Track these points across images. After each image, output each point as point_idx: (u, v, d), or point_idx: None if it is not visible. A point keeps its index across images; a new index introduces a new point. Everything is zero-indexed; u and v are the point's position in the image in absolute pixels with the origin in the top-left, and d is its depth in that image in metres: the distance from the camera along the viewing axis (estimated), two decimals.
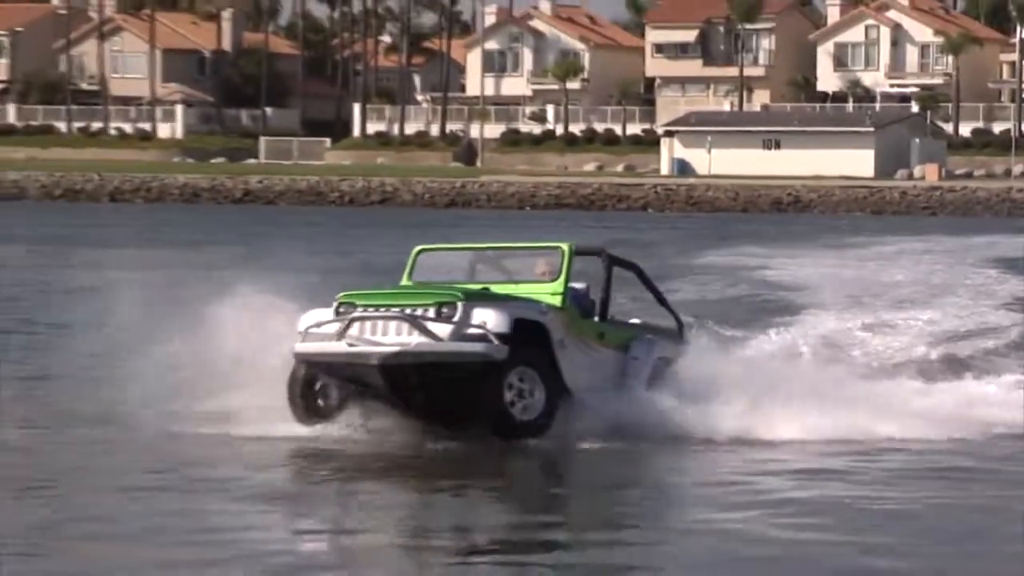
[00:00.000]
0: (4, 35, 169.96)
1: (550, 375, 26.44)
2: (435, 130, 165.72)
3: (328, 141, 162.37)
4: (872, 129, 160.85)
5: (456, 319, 25.17)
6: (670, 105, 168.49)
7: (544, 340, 26.25)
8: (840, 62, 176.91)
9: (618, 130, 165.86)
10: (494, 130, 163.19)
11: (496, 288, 27.26)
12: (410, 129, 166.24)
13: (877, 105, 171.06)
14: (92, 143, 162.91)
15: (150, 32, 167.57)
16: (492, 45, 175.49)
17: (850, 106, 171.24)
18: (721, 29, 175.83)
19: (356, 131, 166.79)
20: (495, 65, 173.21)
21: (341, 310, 25.98)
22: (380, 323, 25.75)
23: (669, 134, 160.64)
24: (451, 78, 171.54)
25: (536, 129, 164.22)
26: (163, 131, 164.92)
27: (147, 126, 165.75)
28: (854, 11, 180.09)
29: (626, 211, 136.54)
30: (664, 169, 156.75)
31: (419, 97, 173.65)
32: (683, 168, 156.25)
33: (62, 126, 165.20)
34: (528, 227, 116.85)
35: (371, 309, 25.92)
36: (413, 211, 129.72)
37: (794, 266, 77.30)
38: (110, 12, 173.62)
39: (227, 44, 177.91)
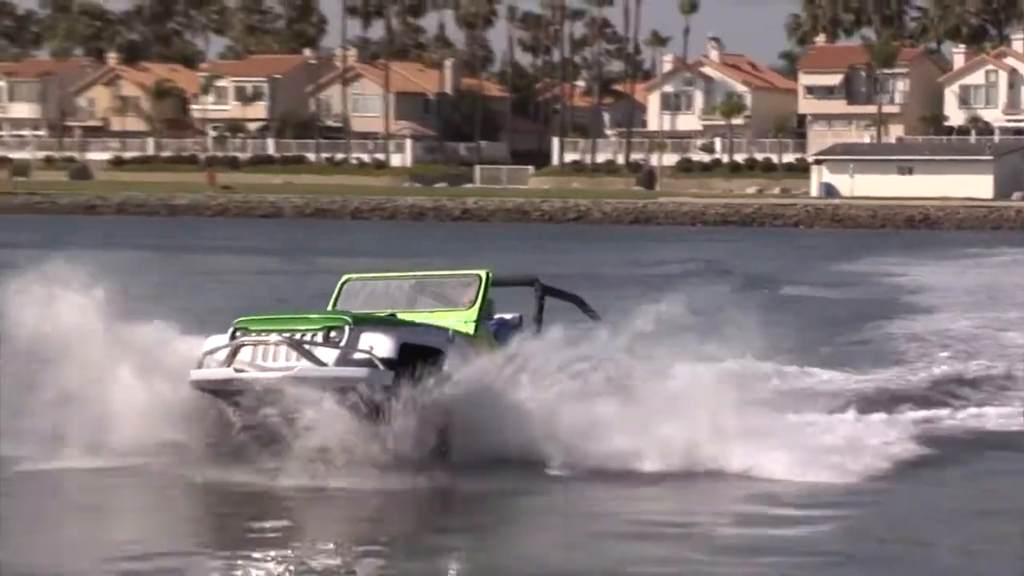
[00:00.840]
0: (265, 81, 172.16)
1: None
2: (621, 159, 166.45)
3: (531, 168, 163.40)
4: (991, 158, 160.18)
5: (343, 343, 22.50)
6: (819, 137, 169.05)
7: (441, 365, 23.09)
8: (964, 101, 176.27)
9: (775, 159, 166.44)
10: (670, 159, 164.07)
11: (414, 315, 24.34)
12: (600, 158, 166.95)
13: (996, 137, 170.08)
14: (336, 171, 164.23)
15: (384, 78, 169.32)
16: (669, 88, 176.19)
17: (972, 138, 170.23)
18: (863, 74, 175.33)
19: (555, 160, 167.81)
20: (671, 104, 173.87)
21: (236, 335, 23.27)
22: (269, 348, 22.90)
23: (818, 162, 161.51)
24: (634, 116, 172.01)
25: (706, 158, 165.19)
26: (395, 160, 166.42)
27: (382, 156, 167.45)
28: (976, 58, 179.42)
29: (781, 227, 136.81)
30: (813, 192, 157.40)
31: (608, 132, 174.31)
32: (829, 191, 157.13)
33: (312, 156, 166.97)
34: (697, 240, 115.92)
35: (263, 334, 23.09)
36: (603, 227, 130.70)
37: (922, 272, 78.72)
38: (352, 62, 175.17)
39: (448, 88, 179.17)
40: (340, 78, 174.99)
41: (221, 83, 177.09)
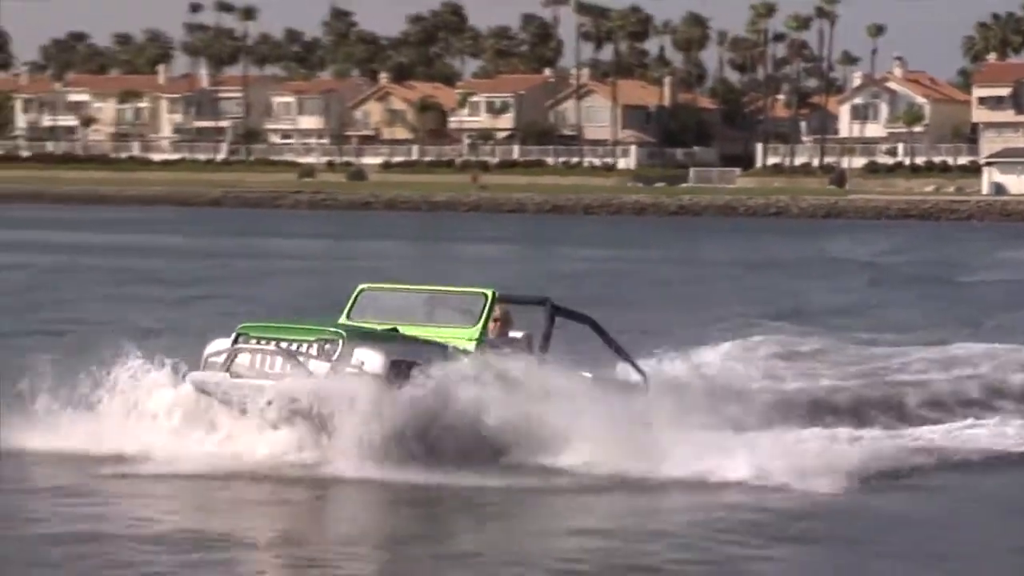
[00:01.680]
0: (511, 97, 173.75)
1: None
2: (816, 162, 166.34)
3: (738, 170, 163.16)
4: None
5: (335, 357, 20.30)
6: (989, 143, 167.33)
7: None
8: None
9: (950, 161, 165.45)
10: (859, 162, 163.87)
11: (420, 331, 21.63)
12: (798, 162, 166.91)
13: None
14: (571, 173, 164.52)
15: (612, 93, 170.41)
16: (858, 100, 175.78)
17: None
18: None
19: (758, 163, 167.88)
20: (860, 115, 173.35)
21: (238, 341, 21.08)
22: (266, 357, 20.78)
23: (989, 164, 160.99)
24: (828, 125, 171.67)
25: (889, 161, 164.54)
26: (621, 164, 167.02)
27: (610, 160, 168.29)
28: None
29: (955, 221, 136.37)
30: (984, 190, 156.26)
31: (804, 138, 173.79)
32: (999, 189, 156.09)
33: (550, 160, 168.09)
34: (878, 231, 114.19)
35: (262, 342, 20.92)
36: (800, 221, 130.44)
37: None
38: (585, 80, 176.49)
39: (667, 101, 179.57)
40: (575, 94, 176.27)
41: (474, 98, 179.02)
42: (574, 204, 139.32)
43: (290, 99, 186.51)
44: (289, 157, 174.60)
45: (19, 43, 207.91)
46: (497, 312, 22.25)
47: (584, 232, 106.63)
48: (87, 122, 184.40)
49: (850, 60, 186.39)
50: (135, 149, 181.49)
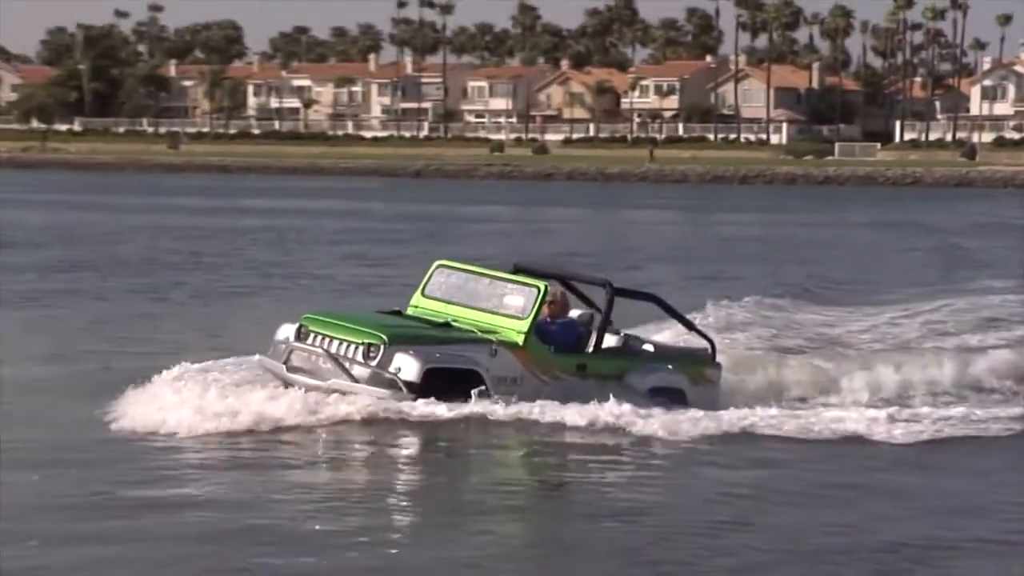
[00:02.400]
0: (676, 81, 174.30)
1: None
2: (948, 137, 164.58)
3: (878, 145, 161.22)
4: None
5: (376, 362, 18.53)
6: None
7: (477, 381, 18.62)
8: None
9: None
10: (988, 137, 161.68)
11: (478, 315, 19.57)
12: (932, 137, 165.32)
13: None
14: (729, 147, 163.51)
15: (766, 77, 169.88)
16: (988, 82, 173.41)
17: None
18: None
19: (897, 139, 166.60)
20: (989, 95, 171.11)
21: (301, 332, 19.38)
22: (317, 358, 19.18)
23: None
24: (960, 104, 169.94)
25: (1016, 136, 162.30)
26: (774, 139, 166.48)
27: (764, 136, 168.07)
28: None
29: None
30: None
31: (939, 116, 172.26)
32: None
33: (711, 137, 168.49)
34: (1009, 198, 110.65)
35: (316, 339, 19.08)
36: (933, 189, 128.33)
37: None
38: (742, 65, 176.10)
39: (815, 84, 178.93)
40: (733, 78, 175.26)
41: (644, 82, 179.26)
42: (732, 175, 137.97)
43: (483, 84, 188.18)
44: (482, 134, 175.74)
45: (251, 36, 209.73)
46: (553, 294, 19.71)
47: (741, 199, 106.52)
48: (308, 104, 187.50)
49: (980, 46, 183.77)
50: (349, 128, 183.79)
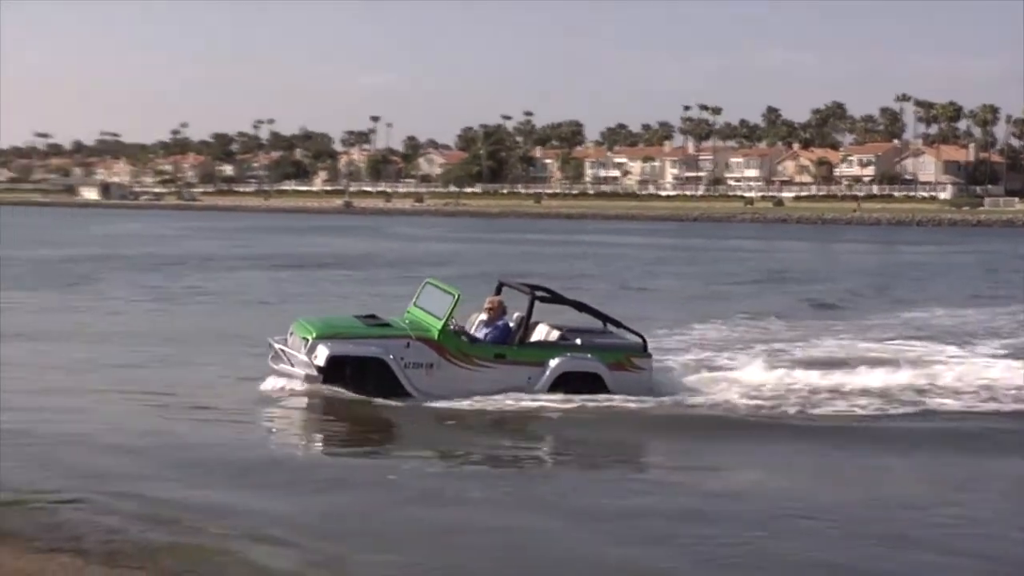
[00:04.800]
0: (873, 156, 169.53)
1: (376, 387, 15.82)
2: None
3: (1017, 199, 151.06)
4: None
5: (307, 352, 16.02)
6: None
7: (382, 366, 15.81)
8: None
9: None
10: None
11: (428, 318, 16.54)
12: None
13: None
14: (909, 201, 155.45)
15: (937, 153, 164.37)
16: None
17: None
18: None
19: None
20: None
21: (288, 333, 16.95)
22: (280, 352, 16.56)
23: None
24: None
25: None
26: (941, 196, 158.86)
27: (934, 194, 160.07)
28: None
29: None
30: None
31: None
32: None
33: (896, 194, 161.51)
34: None
35: (288, 338, 16.75)
36: None
37: None
38: (919, 146, 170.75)
39: (971, 157, 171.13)
40: (912, 154, 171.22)
41: (851, 157, 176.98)
42: (910, 220, 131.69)
43: (740, 159, 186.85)
44: (739, 193, 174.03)
45: (589, 130, 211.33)
46: (493, 301, 17.09)
47: (917, 236, 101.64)
48: (624, 174, 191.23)
49: None
50: (650, 189, 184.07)
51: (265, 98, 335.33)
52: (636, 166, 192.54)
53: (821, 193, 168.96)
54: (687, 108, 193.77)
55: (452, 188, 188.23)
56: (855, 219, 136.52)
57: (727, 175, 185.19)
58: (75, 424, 14.32)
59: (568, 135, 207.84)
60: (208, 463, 12.52)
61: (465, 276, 42.20)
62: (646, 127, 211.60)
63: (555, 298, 17.44)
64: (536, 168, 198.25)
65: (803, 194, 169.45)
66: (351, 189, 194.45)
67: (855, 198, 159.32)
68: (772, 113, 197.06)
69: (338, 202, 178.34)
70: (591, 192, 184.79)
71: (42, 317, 26.37)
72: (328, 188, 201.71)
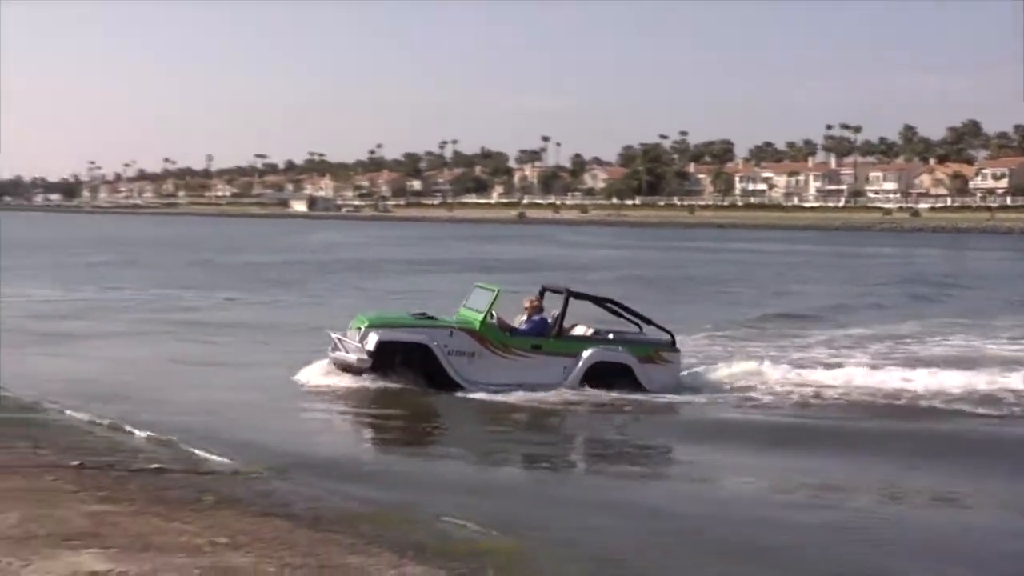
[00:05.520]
0: (1006, 169, 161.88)
1: (422, 373, 15.64)
2: None
3: None
4: None
5: (361, 339, 15.87)
6: None
7: (427, 352, 15.57)
8: None
9: None
10: None
11: (472, 313, 16.30)
12: None
13: None
14: None
15: None
16: None
17: None
18: None
19: None
20: None
21: (348, 327, 16.68)
22: (336, 341, 16.40)
23: None
24: None
25: None
26: None
27: None
28: None
29: None
30: None
31: None
32: None
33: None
34: None
35: (348, 331, 16.44)
36: None
37: None
38: None
39: None
40: None
41: (984, 171, 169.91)
42: None
43: (879, 174, 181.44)
44: (877, 205, 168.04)
45: (739, 147, 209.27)
46: (532, 299, 16.78)
47: None
48: (770, 187, 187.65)
49: None
50: (795, 201, 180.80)
51: (449, 121, 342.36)
52: (781, 180, 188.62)
53: (955, 204, 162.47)
54: (829, 127, 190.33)
55: (614, 200, 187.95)
56: (989, 227, 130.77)
57: (866, 188, 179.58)
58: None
59: (719, 152, 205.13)
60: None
61: (624, 279, 42.54)
62: (791, 144, 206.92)
63: (588, 297, 17.01)
64: (690, 182, 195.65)
65: (938, 205, 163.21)
66: (524, 201, 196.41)
67: (988, 208, 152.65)
68: (909, 131, 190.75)
69: (512, 213, 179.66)
70: (740, 204, 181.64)
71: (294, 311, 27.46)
72: (504, 200, 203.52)
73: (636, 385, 16.06)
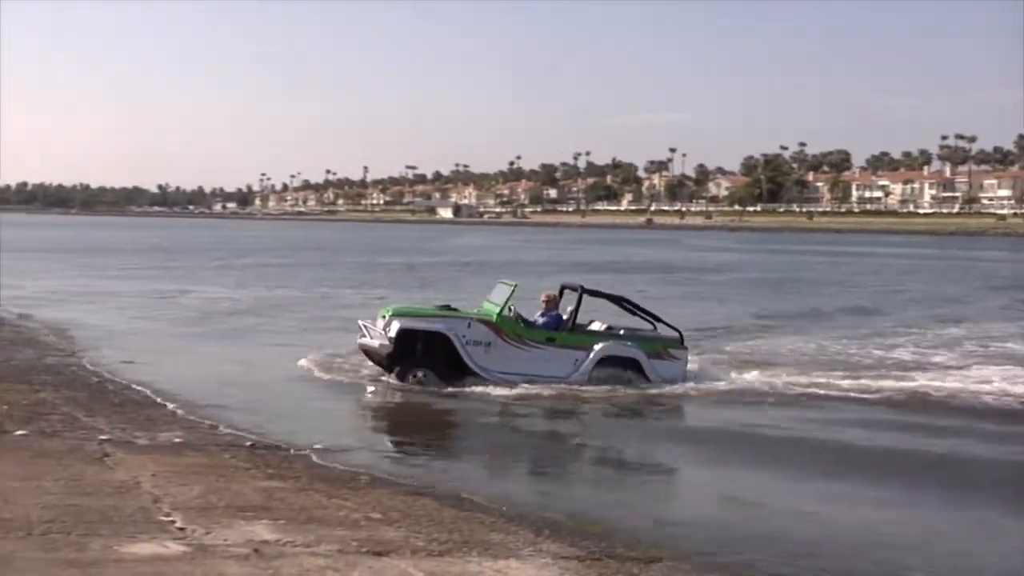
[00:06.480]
0: None
1: (441, 362, 15.19)
2: None
3: None
4: None
5: (384, 327, 15.43)
6: None
7: (446, 341, 15.18)
8: None
9: None
10: None
11: (491, 306, 15.92)
12: None
13: None
14: None
15: None
16: None
17: None
18: None
19: None
20: None
21: (378, 316, 16.16)
22: (363, 328, 15.96)
23: None
24: None
25: None
26: None
27: None
28: None
29: None
30: None
31: None
32: None
33: None
34: None
35: (380, 317, 15.88)
36: None
37: None
38: None
39: None
40: None
41: None
42: None
43: (993, 181, 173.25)
44: (991, 211, 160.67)
45: (856, 157, 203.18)
46: (548, 294, 16.36)
47: None
48: (887, 195, 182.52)
49: None
50: (910, 207, 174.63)
51: (583, 135, 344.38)
52: (897, 188, 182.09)
53: None
54: (944, 137, 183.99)
55: (736, 207, 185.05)
56: None
57: (980, 195, 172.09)
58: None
59: (837, 161, 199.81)
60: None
61: (746, 280, 41.61)
62: (906, 154, 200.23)
63: (603, 295, 16.49)
64: (809, 190, 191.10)
65: None
66: (652, 208, 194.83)
67: None
68: (1023, 140, 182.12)
69: (641, 219, 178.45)
70: (856, 210, 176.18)
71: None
72: (633, 208, 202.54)
73: (644, 379, 15.55)
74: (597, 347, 15.62)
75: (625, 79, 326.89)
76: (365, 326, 16.07)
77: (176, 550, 5.92)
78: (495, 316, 15.61)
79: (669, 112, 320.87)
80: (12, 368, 14.40)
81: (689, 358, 16.11)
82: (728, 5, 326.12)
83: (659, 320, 16.38)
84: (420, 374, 15.17)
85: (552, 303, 16.35)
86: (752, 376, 16.20)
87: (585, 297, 16.08)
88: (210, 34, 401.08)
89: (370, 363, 15.85)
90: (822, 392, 15.20)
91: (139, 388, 13.74)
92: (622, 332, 16.20)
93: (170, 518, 6.69)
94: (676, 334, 16.12)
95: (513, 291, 15.76)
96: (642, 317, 16.50)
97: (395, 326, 15.40)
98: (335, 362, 16.59)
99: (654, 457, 11.77)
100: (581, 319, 16.13)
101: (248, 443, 10.42)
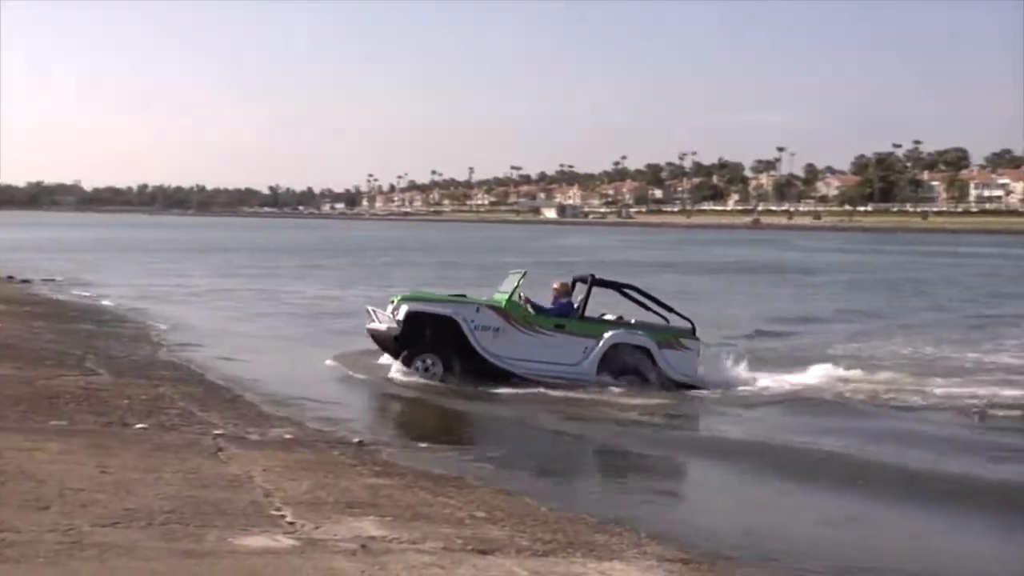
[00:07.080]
0: None
1: (449, 347, 15.18)
2: None
3: None
4: None
5: (392, 311, 15.43)
6: None
7: (454, 325, 15.17)
8: None
9: None
10: None
11: (501, 294, 15.93)
12: None
13: None
14: None
15: None
16: None
17: None
18: None
19: None
20: None
21: (388, 302, 16.16)
22: (370, 312, 16.15)
23: None
24: None
25: None
26: None
27: None
28: None
29: None
30: None
31: None
32: None
33: None
34: None
35: (390, 303, 15.85)
36: None
37: None
38: None
39: None
40: None
41: None
42: None
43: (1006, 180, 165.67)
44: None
45: (974, 155, 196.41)
46: (560, 284, 16.18)
47: None
48: (1007, 193, 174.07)
49: None
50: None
51: (690, 135, 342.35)
52: (1019, 187, 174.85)
53: None
54: None
55: (846, 207, 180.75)
56: None
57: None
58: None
59: (953, 160, 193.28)
60: None
61: (863, 283, 40.29)
62: None
63: (612, 285, 16.14)
64: (923, 189, 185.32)
65: None
66: (759, 208, 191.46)
67: None
68: None
69: (747, 219, 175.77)
70: (974, 210, 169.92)
71: None
72: (739, 208, 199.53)
73: (654, 368, 15.38)
74: (607, 335, 15.51)
75: (732, 77, 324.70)
76: (373, 311, 16.11)
77: (286, 544, 6.00)
78: (504, 301, 15.58)
79: (777, 111, 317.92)
80: (133, 363, 14.92)
81: (701, 348, 15.86)
82: (841, 4, 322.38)
83: (671, 310, 16.16)
84: (428, 361, 15.12)
85: (563, 291, 16.26)
86: (854, 375, 16.23)
87: (607, 291, 16.03)
88: (324, 38, 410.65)
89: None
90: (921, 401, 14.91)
91: (247, 387, 13.88)
92: (633, 321, 16.09)
93: (280, 512, 6.81)
94: (688, 325, 15.93)
95: (522, 276, 15.75)
96: (653, 308, 16.29)
97: (403, 309, 15.43)
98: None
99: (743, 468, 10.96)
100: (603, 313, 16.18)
101: (356, 440, 10.65)
